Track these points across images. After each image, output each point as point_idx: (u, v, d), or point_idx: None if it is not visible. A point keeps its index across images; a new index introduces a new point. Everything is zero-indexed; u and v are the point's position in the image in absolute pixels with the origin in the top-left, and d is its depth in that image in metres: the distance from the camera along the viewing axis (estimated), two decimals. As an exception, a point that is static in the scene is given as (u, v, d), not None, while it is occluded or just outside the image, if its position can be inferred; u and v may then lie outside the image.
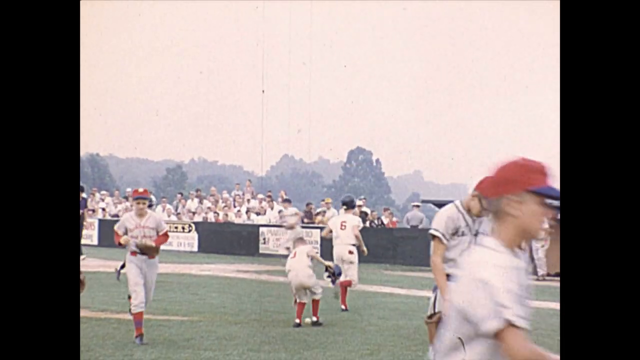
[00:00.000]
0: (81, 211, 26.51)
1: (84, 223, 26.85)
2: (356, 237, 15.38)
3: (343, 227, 15.47)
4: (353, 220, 15.72)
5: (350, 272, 15.22)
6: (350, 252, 15.35)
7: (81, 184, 34.71)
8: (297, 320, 12.74)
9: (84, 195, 27.62)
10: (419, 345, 11.01)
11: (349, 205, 16.14)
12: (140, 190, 11.74)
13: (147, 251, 11.20)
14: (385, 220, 30.03)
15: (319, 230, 29.43)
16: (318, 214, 30.60)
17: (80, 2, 5.37)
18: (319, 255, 13.19)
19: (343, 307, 14.85)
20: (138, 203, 11.45)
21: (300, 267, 12.83)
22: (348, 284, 15.13)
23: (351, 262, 15.29)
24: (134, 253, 11.22)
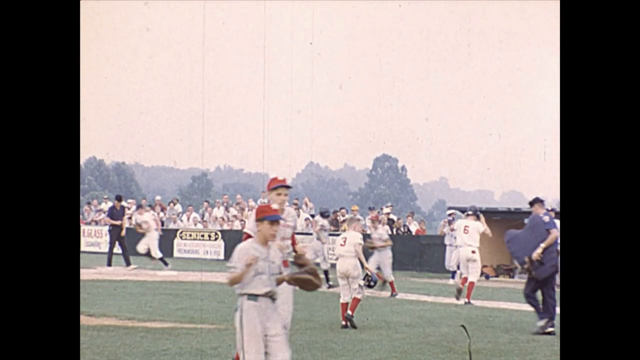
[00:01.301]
0: (119, 221, 26.78)
1: (122, 232, 26.98)
2: (481, 236, 18.40)
3: (466, 232, 18.36)
4: (477, 226, 18.42)
5: (474, 270, 18.10)
6: (473, 252, 18.13)
7: (118, 193, 35.18)
8: (343, 323, 13.35)
9: (122, 204, 27.93)
10: (447, 353, 10.96)
11: (473, 212, 18.92)
12: (280, 177, 8.77)
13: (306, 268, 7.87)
14: (413, 228, 29.98)
15: (345, 238, 29.43)
16: (344, 221, 30.54)
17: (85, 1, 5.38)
18: (362, 253, 13.58)
19: (466, 300, 17.43)
20: (279, 194, 8.67)
21: (347, 255, 13.59)
22: (472, 284, 17.96)
23: (474, 261, 18.10)
24: None
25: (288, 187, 8.69)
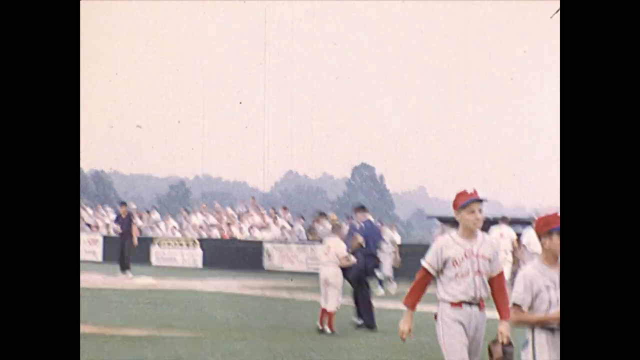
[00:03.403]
0: (119, 228, 26.89)
1: (133, 240, 26.97)
2: (513, 245, 21.95)
3: (502, 237, 21.62)
4: (511, 234, 22.19)
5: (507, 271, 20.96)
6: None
7: (123, 200, 35.31)
8: (319, 327, 13.55)
9: (129, 210, 27.97)
10: (425, 361, 10.99)
11: (505, 220, 22.53)
12: (470, 191, 6.59)
13: None
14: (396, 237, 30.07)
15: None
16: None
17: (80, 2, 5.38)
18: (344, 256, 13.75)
19: None
20: (472, 211, 6.52)
21: (328, 263, 13.72)
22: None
23: (508, 262, 21.20)
24: (458, 304, 6.56)
25: (481, 200, 6.57)
